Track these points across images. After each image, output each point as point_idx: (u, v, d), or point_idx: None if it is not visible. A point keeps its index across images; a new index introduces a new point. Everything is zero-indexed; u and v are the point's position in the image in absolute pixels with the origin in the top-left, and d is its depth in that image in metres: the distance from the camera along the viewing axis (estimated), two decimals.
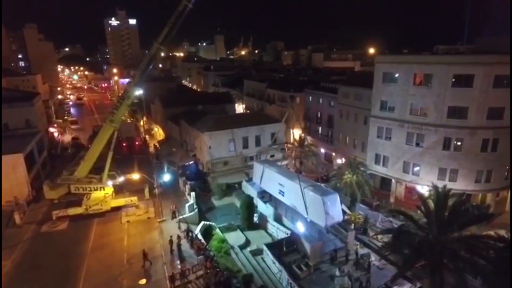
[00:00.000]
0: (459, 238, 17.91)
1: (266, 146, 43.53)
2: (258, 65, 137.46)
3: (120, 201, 35.67)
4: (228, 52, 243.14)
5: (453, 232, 18.33)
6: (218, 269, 23.58)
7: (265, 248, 29.13)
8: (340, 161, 47.79)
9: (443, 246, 17.74)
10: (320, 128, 58.13)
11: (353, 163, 38.93)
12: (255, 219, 35.39)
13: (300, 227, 31.24)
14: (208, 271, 23.53)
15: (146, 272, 25.66)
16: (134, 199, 35.92)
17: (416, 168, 38.81)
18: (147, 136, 66.12)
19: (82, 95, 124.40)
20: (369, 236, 33.79)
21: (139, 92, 33.94)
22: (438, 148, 36.63)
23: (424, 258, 18.10)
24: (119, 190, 39.49)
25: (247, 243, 31.55)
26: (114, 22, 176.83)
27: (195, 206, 35.11)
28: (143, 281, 24.84)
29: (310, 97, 59.74)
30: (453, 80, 34.40)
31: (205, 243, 27.80)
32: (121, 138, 61.04)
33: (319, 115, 57.95)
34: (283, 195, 34.44)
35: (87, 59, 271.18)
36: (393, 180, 41.48)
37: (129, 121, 74.50)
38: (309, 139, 57.18)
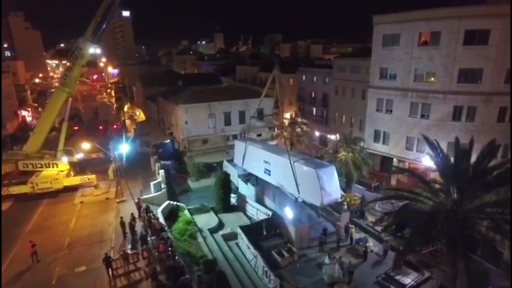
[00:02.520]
0: (488, 203, 12.78)
1: (253, 123, 38.52)
2: (254, 57, 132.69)
3: (75, 180, 30.60)
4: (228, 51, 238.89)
5: (478, 196, 13.23)
6: (170, 253, 18.44)
7: (239, 231, 24.04)
8: (334, 137, 42.63)
9: (466, 216, 12.65)
10: (314, 109, 53.08)
11: (348, 138, 33.80)
12: (233, 200, 30.33)
13: (289, 213, 26.27)
14: (157, 254, 18.43)
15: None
16: (92, 177, 30.84)
17: (422, 144, 33.67)
18: (128, 120, 61.17)
19: None
20: (366, 219, 28.70)
21: (95, 50, 29.01)
22: (447, 119, 31.52)
23: (440, 233, 13.01)
24: (81, 169, 34.76)
25: (220, 226, 26.47)
26: None
27: (163, 186, 30.05)
28: (81, 269, 19.76)
29: (304, 76, 54.83)
30: (465, 37, 29.27)
31: (163, 223, 22.66)
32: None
33: (313, 95, 52.91)
34: (269, 174, 29.30)
35: None
36: (394, 160, 36.33)
37: (108, 103, 69.49)
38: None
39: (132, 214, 23.49)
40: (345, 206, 29.46)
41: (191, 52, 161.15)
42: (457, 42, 29.70)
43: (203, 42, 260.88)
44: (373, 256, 23.64)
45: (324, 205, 25.74)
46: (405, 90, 33.82)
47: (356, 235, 25.72)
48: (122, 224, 22.85)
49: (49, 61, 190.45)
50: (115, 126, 55.56)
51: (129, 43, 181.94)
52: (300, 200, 26.45)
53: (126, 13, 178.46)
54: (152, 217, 23.51)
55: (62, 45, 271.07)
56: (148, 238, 20.89)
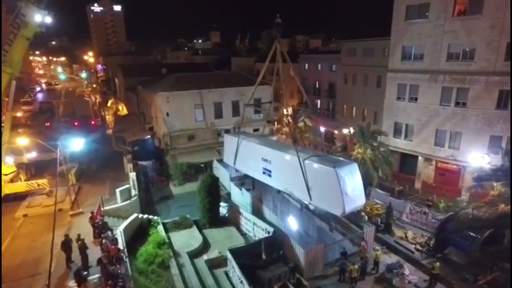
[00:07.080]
0: None
1: (248, 113, 32.29)
2: (251, 52, 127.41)
3: (21, 186, 24.14)
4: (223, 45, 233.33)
5: None
6: None
7: (229, 256, 17.64)
8: (346, 131, 36.29)
9: None
10: (318, 101, 46.77)
11: (366, 131, 27.50)
12: (224, 211, 24.01)
13: (293, 224, 19.98)
14: None
15: None
16: (43, 182, 24.39)
17: (455, 139, 27.55)
18: (110, 116, 54.80)
19: (56, 82, 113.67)
20: (393, 234, 22.41)
21: (44, 18, 22.50)
22: (489, 107, 25.32)
23: None
24: (38, 172, 28.41)
25: (205, 247, 20.09)
26: (97, 8, 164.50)
27: (133, 193, 23.66)
28: None
29: (306, 65, 48.58)
30: None
31: (121, 249, 16.24)
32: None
33: (317, 85, 46.61)
34: (269, 176, 22.73)
35: (75, 52, 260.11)
36: (420, 158, 30.16)
37: (85, 98, 63.13)
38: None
39: (78, 235, 16.98)
40: (366, 217, 23.30)
41: (186, 48, 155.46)
42: (506, 9, 23.48)
43: (200, 41, 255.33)
44: None
45: (346, 214, 19.46)
46: (435, 73, 27.58)
47: (385, 257, 19.52)
48: (65, 245, 16.36)
49: (39, 59, 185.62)
50: (93, 122, 49.20)
51: (121, 38, 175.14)
52: (312, 207, 20.26)
53: (117, 8, 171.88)
54: (110, 238, 17.05)
55: (53, 42, 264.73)
56: (91, 277, 14.44)
